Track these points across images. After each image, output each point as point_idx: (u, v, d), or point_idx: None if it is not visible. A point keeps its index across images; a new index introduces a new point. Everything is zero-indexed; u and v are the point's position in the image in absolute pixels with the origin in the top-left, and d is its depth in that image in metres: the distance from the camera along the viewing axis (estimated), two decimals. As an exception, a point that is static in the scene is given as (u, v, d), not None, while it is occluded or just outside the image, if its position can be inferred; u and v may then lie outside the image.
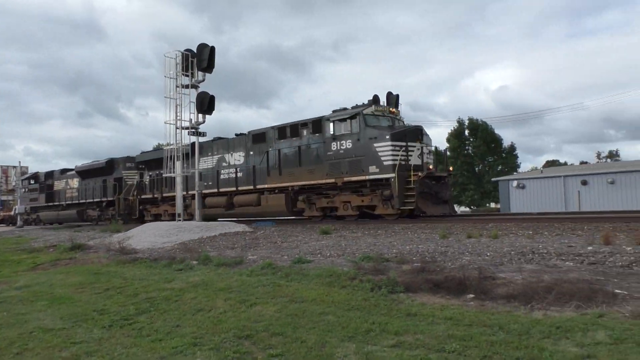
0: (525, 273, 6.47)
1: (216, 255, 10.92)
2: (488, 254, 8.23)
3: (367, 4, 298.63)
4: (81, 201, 32.84)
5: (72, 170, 36.13)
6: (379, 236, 12.93)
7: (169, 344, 4.83)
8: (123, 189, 28.91)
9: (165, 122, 20.36)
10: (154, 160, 27.04)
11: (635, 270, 6.32)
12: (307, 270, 7.94)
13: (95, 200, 31.46)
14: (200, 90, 20.33)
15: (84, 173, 33.17)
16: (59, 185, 36.70)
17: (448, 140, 56.99)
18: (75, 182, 34.37)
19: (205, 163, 23.52)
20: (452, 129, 57.30)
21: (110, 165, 30.73)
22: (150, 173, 27.95)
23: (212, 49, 19.96)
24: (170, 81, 20.07)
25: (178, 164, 20.17)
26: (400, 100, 19.43)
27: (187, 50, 20.14)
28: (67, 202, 34.51)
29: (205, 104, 19.92)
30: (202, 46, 20.07)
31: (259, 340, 4.77)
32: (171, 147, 20.30)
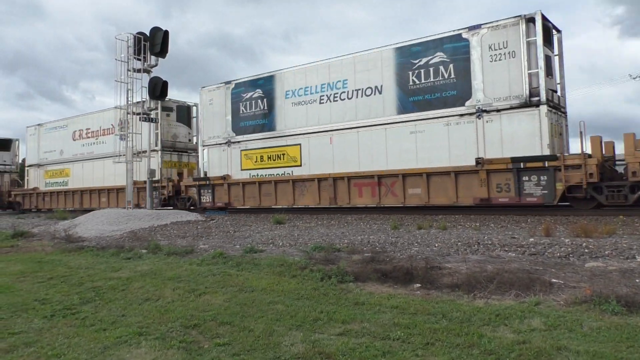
0: (470, 263, 6.70)
1: (166, 244, 10.73)
2: (436, 245, 8.46)
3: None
4: None
5: None
6: (331, 226, 13.05)
7: (113, 334, 4.73)
8: None
9: (115, 107, 19.82)
10: None
11: (572, 261, 6.66)
12: (258, 260, 7.93)
13: None
14: (152, 75, 19.84)
15: None
16: None
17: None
18: None
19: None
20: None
21: None
22: None
23: (166, 33, 19.48)
24: (122, 64, 19.49)
25: (129, 149, 19.66)
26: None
27: (139, 33, 19.56)
28: None
29: (158, 90, 19.46)
30: (156, 30, 19.54)
31: (206, 329, 4.74)
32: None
